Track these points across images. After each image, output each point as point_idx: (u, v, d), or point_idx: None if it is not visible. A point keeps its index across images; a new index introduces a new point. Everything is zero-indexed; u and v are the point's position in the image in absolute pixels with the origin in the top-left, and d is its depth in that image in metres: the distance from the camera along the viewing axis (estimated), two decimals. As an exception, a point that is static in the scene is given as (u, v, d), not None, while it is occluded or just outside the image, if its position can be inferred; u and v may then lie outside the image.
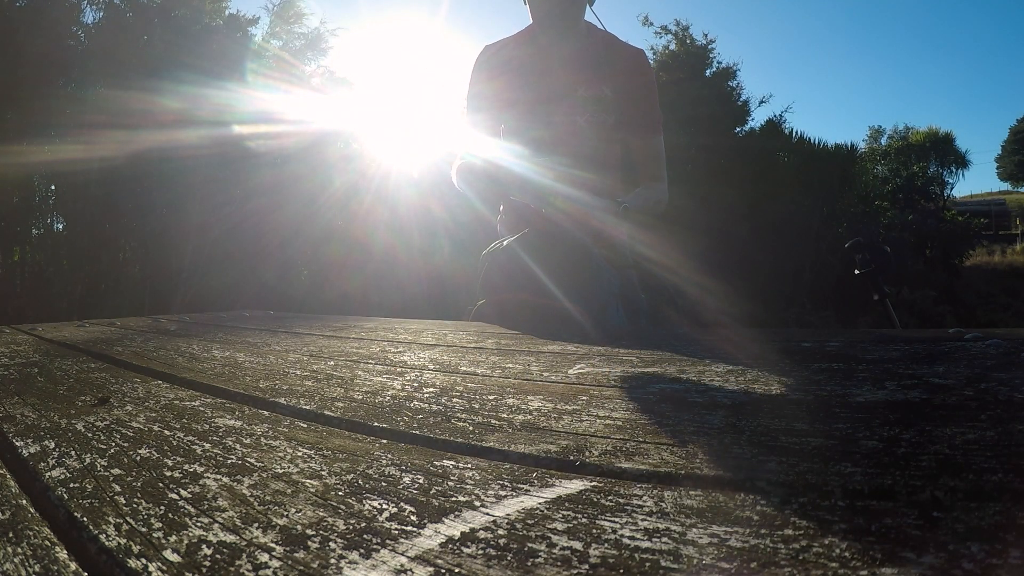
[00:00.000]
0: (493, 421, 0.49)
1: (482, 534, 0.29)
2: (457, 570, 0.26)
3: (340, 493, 0.35)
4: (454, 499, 0.34)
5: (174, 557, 0.28)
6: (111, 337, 1.28)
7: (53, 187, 5.49)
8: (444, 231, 6.08)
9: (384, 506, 0.33)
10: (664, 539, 0.27)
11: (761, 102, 10.71)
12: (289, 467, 0.41)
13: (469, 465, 0.39)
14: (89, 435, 0.50)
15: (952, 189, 20.23)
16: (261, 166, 5.69)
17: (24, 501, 0.37)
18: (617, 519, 0.30)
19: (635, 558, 0.26)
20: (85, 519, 0.33)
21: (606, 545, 0.27)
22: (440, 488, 0.35)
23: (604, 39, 1.45)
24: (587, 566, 0.25)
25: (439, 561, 0.27)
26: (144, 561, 0.28)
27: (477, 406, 0.55)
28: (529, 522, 0.30)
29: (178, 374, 0.79)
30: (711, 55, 9.75)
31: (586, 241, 1.29)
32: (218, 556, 0.28)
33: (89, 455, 0.45)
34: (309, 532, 0.30)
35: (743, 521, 0.28)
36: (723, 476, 0.34)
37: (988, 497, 0.28)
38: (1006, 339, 0.70)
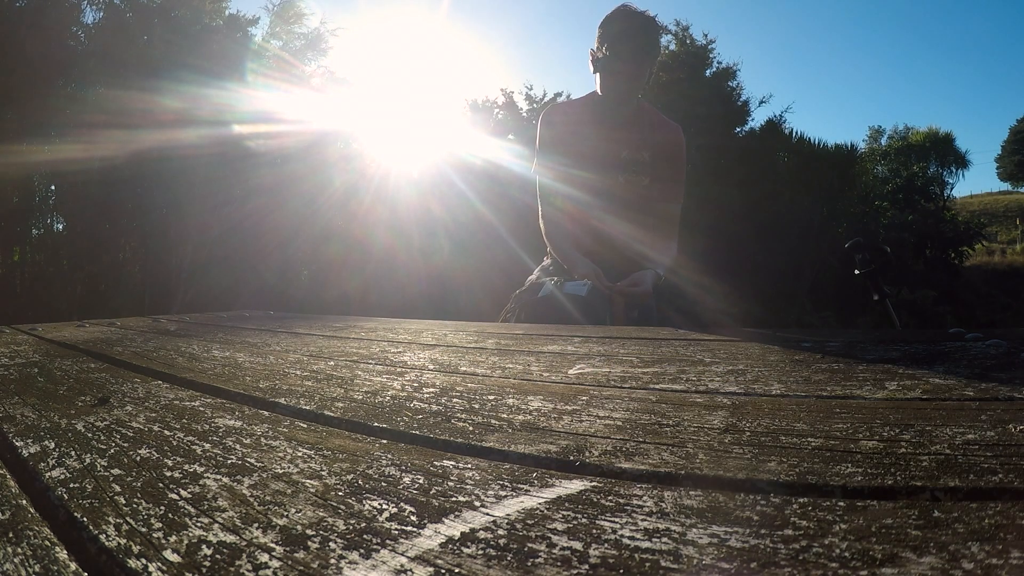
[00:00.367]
0: (493, 421, 0.49)
1: (482, 534, 0.29)
2: (457, 570, 0.26)
3: (340, 493, 0.35)
4: (454, 499, 0.34)
5: (174, 557, 0.28)
6: (111, 337, 1.28)
7: (53, 187, 5.49)
8: (444, 231, 6.09)
9: (384, 506, 0.33)
10: (664, 539, 0.27)
11: (761, 102, 10.69)
12: (289, 467, 0.41)
13: (469, 465, 0.39)
14: (89, 435, 0.50)
15: (952, 189, 20.24)
16: (261, 166, 5.69)
17: (24, 501, 0.37)
18: (617, 519, 0.29)
19: (635, 558, 0.26)
20: (85, 519, 0.33)
21: (606, 545, 0.27)
22: (440, 488, 0.35)
23: (651, 113, 1.72)
24: (587, 566, 0.25)
25: (439, 561, 0.27)
26: (144, 561, 0.28)
27: (477, 406, 0.55)
28: (529, 522, 0.30)
29: (178, 374, 0.79)
30: (711, 55, 9.74)
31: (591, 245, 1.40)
32: (218, 556, 0.28)
33: (89, 455, 0.45)
34: (309, 532, 0.30)
35: (743, 521, 0.28)
36: (723, 476, 0.34)
37: (988, 497, 0.28)
38: (1006, 339, 0.70)
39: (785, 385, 0.56)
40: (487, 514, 0.31)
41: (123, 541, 0.30)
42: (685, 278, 1.66)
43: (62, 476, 0.40)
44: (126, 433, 0.51)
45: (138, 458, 0.44)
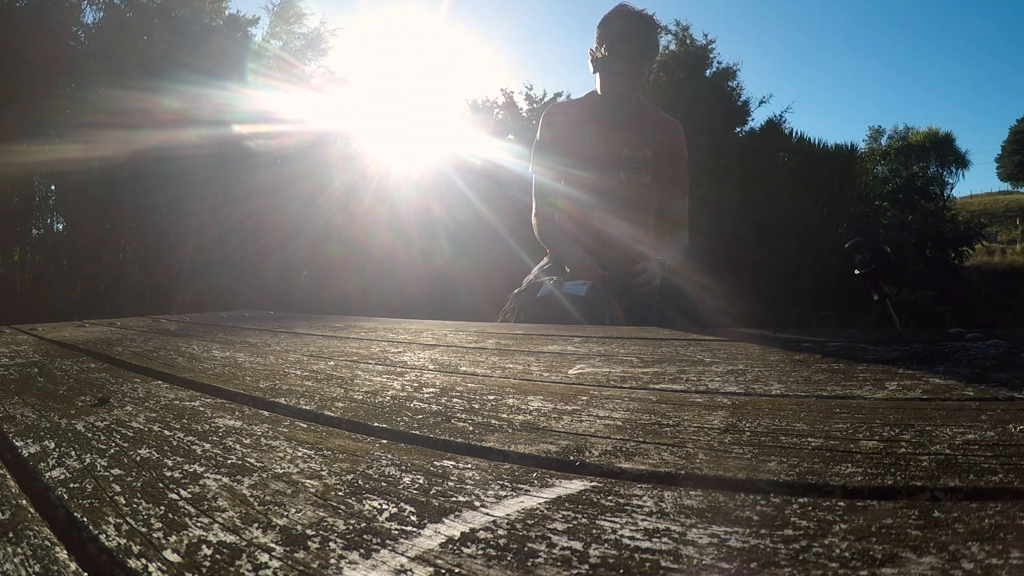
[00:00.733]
0: (493, 421, 0.49)
1: (482, 534, 0.29)
2: (457, 570, 0.26)
3: (340, 493, 0.35)
4: (454, 499, 0.34)
5: (174, 557, 0.28)
6: (111, 337, 1.28)
7: (53, 187, 5.49)
8: (444, 231, 6.09)
9: (384, 506, 0.33)
10: (664, 539, 0.27)
11: (761, 102, 10.70)
12: (289, 467, 0.41)
13: (469, 465, 0.39)
14: (89, 435, 0.50)
15: (952, 189, 20.24)
16: (261, 166, 5.69)
17: (24, 501, 0.37)
18: (617, 519, 0.29)
19: (635, 558, 0.26)
20: (85, 519, 0.33)
21: (606, 545, 0.27)
22: (440, 488, 0.35)
23: (650, 110, 1.73)
24: (587, 566, 0.25)
25: (439, 561, 0.27)
26: (144, 561, 0.28)
27: (477, 406, 0.55)
28: (529, 522, 0.30)
29: (178, 374, 0.79)
30: (711, 55, 9.74)
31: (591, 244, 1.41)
32: (218, 556, 0.28)
33: (89, 455, 0.45)
34: (309, 532, 0.30)
35: (743, 521, 0.28)
36: (723, 476, 0.34)
37: (988, 497, 0.28)
38: (1006, 339, 0.70)
39: (785, 385, 0.56)
40: (487, 514, 0.31)
41: (123, 541, 0.30)
42: (685, 278, 1.66)
43: (62, 476, 0.40)
44: (126, 433, 0.51)
45: (138, 458, 0.44)
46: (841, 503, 0.29)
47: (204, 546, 0.29)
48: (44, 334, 1.35)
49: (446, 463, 0.40)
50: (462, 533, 0.29)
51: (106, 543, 0.30)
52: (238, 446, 0.46)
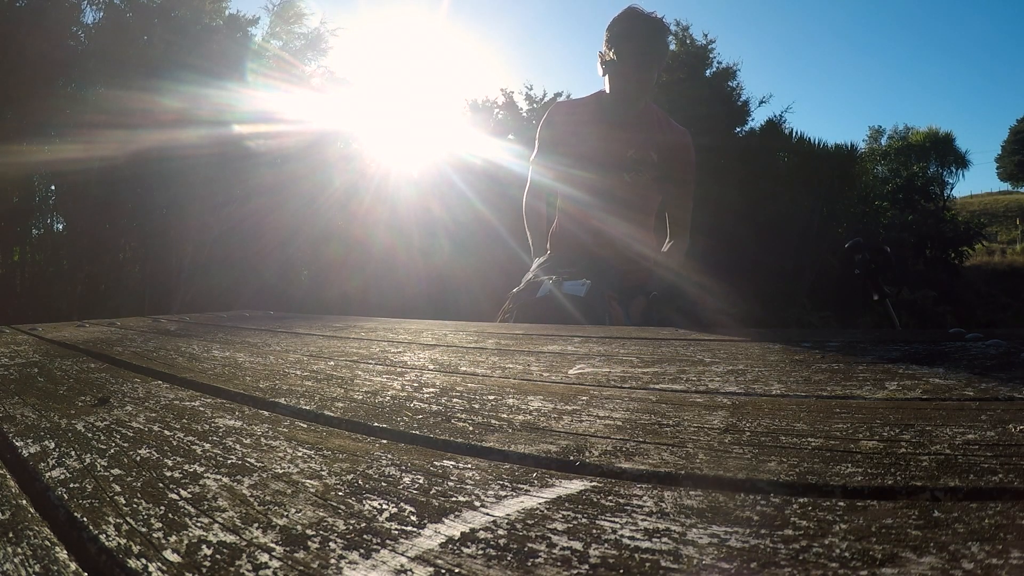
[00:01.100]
0: (493, 421, 0.49)
1: (482, 534, 0.29)
2: (457, 570, 0.26)
3: (340, 493, 0.35)
4: (454, 499, 0.34)
5: (174, 557, 0.28)
6: (111, 337, 1.28)
7: (53, 187, 5.49)
8: (444, 231, 6.09)
9: (384, 506, 0.33)
10: (664, 539, 0.27)
11: (761, 102, 10.70)
12: (289, 467, 0.41)
13: (469, 465, 0.39)
14: (89, 435, 0.50)
15: (952, 189, 20.24)
16: (261, 166, 5.69)
17: (24, 501, 0.37)
18: (617, 519, 0.29)
19: (635, 558, 0.26)
20: (85, 519, 0.33)
21: (606, 545, 0.27)
22: (440, 488, 0.35)
23: (658, 115, 1.74)
24: (587, 566, 0.25)
25: (439, 561, 0.27)
26: (144, 561, 0.28)
27: (477, 406, 0.55)
28: (529, 522, 0.30)
29: (178, 374, 0.79)
30: (711, 55, 9.73)
31: (591, 244, 1.42)
32: (218, 556, 0.28)
33: (89, 455, 0.45)
34: (309, 532, 0.30)
35: (743, 521, 0.28)
36: (723, 476, 0.34)
37: (988, 497, 0.28)
38: (1006, 339, 0.70)
39: (785, 385, 0.56)
40: (487, 514, 0.31)
41: (123, 541, 0.30)
42: (685, 278, 1.66)
43: (62, 476, 0.40)
44: (126, 433, 0.51)
45: (138, 458, 0.44)
46: (841, 503, 0.29)
47: (204, 546, 0.29)
48: (44, 334, 1.35)
49: (446, 463, 0.40)
50: (462, 533, 0.29)
51: (106, 543, 0.30)
52: (238, 446, 0.46)
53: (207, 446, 0.46)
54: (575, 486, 0.34)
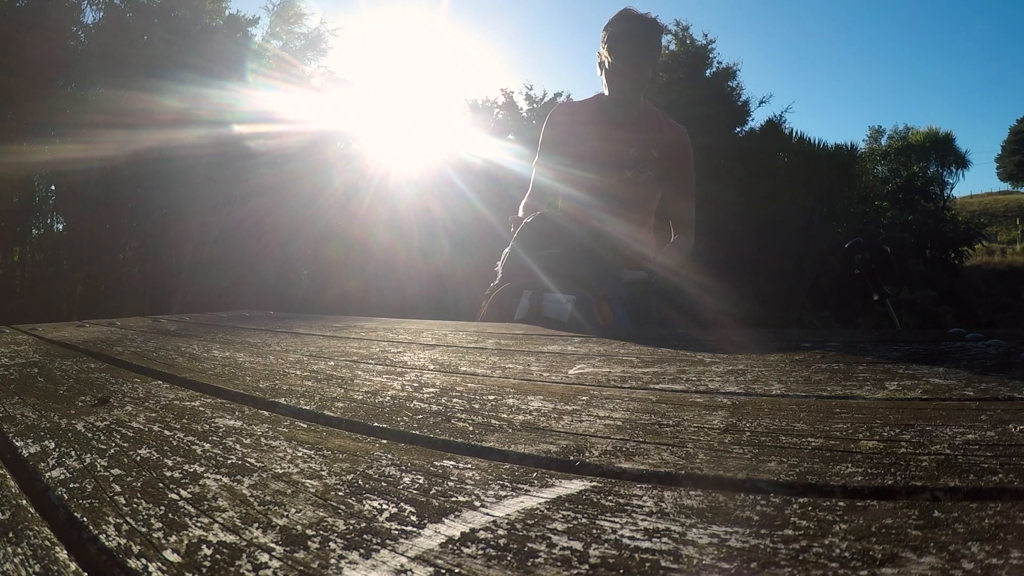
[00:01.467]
0: (493, 421, 0.49)
1: (482, 534, 0.29)
2: (457, 570, 0.26)
3: (340, 493, 0.35)
4: (454, 499, 0.34)
5: (174, 557, 0.28)
6: (111, 337, 1.28)
7: (53, 187, 5.49)
8: (444, 231, 6.09)
9: (384, 506, 0.33)
10: (664, 539, 0.27)
11: (761, 102, 10.70)
12: (289, 467, 0.41)
13: (469, 465, 0.39)
14: (89, 435, 0.50)
15: (952, 189, 20.24)
16: (261, 166, 5.69)
17: (24, 501, 0.37)
18: (617, 519, 0.29)
19: (635, 558, 0.26)
20: (85, 519, 0.33)
21: (606, 545, 0.27)
22: (440, 488, 0.35)
23: (657, 114, 1.77)
24: (587, 566, 0.25)
25: (439, 561, 0.27)
26: (144, 561, 0.28)
27: (477, 406, 0.55)
28: (529, 522, 0.30)
29: (178, 374, 0.79)
30: (711, 55, 9.74)
31: (599, 251, 1.42)
32: (218, 556, 0.28)
33: (89, 455, 0.45)
34: (309, 532, 0.30)
35: (743, 521, 0.28)
36: (723, 476, 0.34)
37: (988, 497, 0.28)
38: (1006, 339, 0.70)
39: (785, 385, 0.56)
40: (487, 514, 0.31)
41: (123, 541, 0.30)
42: (685, 278, 1.66)
43: (62, 476, 0.40)
44: (126, 433, 0.51)
45: (138, 458, 0.44)
46: (841, 503, 0.29)
47: (204, 546, 0.29)
48: (44, 334, 1.35)
49: (446, 463, 0.40)
50: (462, 533, 0.29)
51: (106, 543, 0.30)
52: (238, 446, 0.46)
53: (207, 446, 0.46)
54: (575, 486, 0.34)
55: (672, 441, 0.41)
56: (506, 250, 1.58)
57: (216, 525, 0.32)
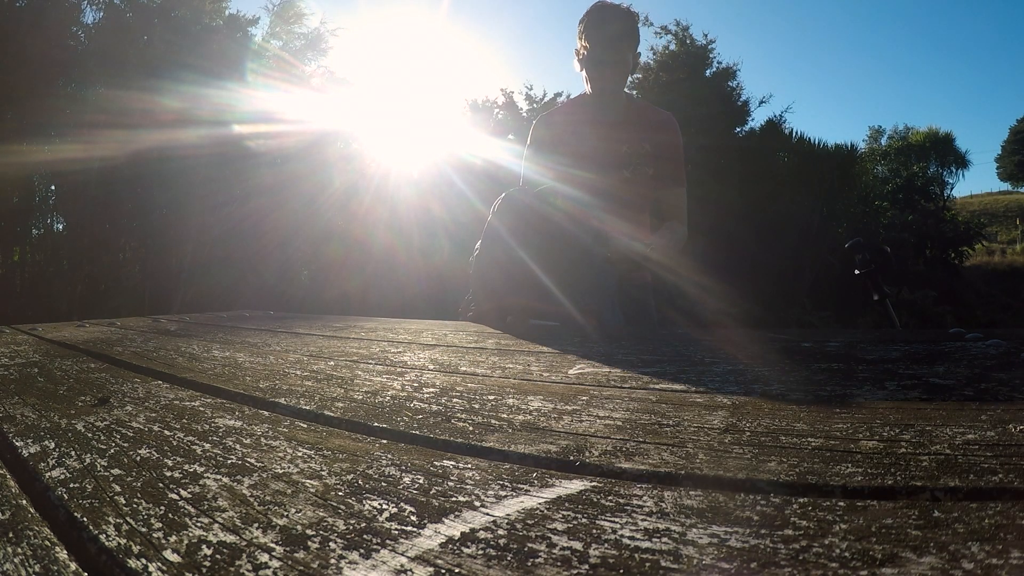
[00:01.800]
0: (493, 421, 0.49)
1: (482, 534, 0.29)
2: (457, 570, 0.26)
3: (340, 493, 0.35)
4: (454, 499, 0.34)
5: (174, 557, 0.28)
6: (111, 337, 1.28)
7: (53, 187, 5.49)
8: (444, 231, 6.08)
9: (384, 506, 0.33)
10: (664, 539, 0.27)
11: (761, 102, 10.70)
12: (289, 467, 0.41)
13: (469, 465, 0.39)
14: (89, 435, 0.50)
15: (952, 189, 20.24)
16: (261, 166, 5.69)
17: (24, 501, 0.37)
18: (617, 519, 0.29)
19: (635, 558, 0.26)
20: (85, 519, 0.33)
21: (606, 545, 0.27)
22: (440, 488, 0.35)
23: (640, 105, 1.76)
24: (587, 566, 0.25)
25: (439, 561, 0.26)
26: (144, 561, 0.28)
27: (477, 406, 0.55)
28: (529, 522, 0.30)
29: (178, 374, 0.79)
30: (711, 55, 9.73)
31: (585, 240, 1.37)
32: (218, 556, 0.28)
33: (89, 455, 0.45)
34: (309, 532, 0.30)
35: (743, 521, 0.28)
36: (723, 476, 0.34)
37: (988, 497, 0.28)
38: (1006, 339, 0.70)
39: (785, 385, 0.56)
40: (487, 514, 0.31)
41: (123, 541, 0.30)
42: (685, 278, 1.66)
43: (62, 476, 0.40)
44: (126, 433, 0.51)
45: (138, 458, 0.44)
46: (841, 503, 0.29)
47: (204, 546, 0.29)
48: (44, 334, 1.35)
49: (446, 463, 0.40)
50: (462, 533, 0.29)
51: (106, 543, 0.30)
52: (238, 446, 0.46)
53: (207, 446, 0.46)
54: (575, 486, 0.34)
55: (672, 441, 0.41)
56: (477, 246, 1.54)
57: (216, 525, 0.32)
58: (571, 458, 0.39)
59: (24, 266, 5.34)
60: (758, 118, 19.54)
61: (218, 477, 0.39)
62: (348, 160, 6.52)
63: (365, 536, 0.29)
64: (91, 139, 4.70)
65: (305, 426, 0.51)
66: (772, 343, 0.83)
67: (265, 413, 0.57)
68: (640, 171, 1.67)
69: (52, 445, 0.48)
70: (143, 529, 0.31)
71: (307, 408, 0.57)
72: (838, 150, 9.57)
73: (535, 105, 8.93)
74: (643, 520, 0.29)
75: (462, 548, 0.28)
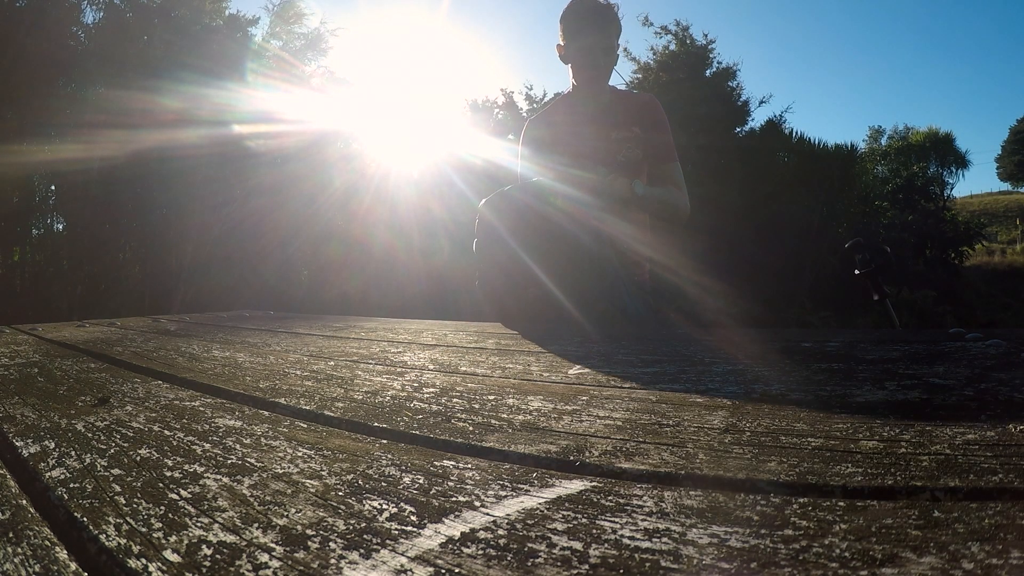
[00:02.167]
0: (493, 421, 0.49)
1: (482, 534, 0.29)
2: (457, 570, 0.26)
3: (340, 493, 0.35)
4: (454, 499, 0.34)
5: (174, 557, 0.28)
6: (111, 337, 1.28)
7: (53, 187, 5.48)
8: (444, 231, 6.08)
9: (384, 506, 0.33)
10: (664, 539, 0.27)
11: (761, 102, 10.71)
12: (289, 467, 0.41)
13: (469, 465, 0.39)
14: (89, 435, 0.50)
15: (952, 189, 20.23)
16: (261, 166, 5.69)
17: (24, 501, 0.37)
18: (617, 519, 0.29)
19: (635, 558, 0.26)
20: (85, 519, 0.33)
21: (606, 545, 0.27)
22: (440, 488, 0.35)
23: (622, 92, 1.80)
24: (587, 566, 0.25)
25: (439, 561, 0.26)
26: (144, 561, 0.28)
27: (477, 406, 0.55)
28: (529, 522, 0.30)
29: (178, 374, 0.79)
30: (711, 55, 9.73)
31: (584, 238, 1.39)
32: (218, 556, 0.28)
33: (89, 455, 0.45)
34: (309, 532, 0.30)
35: (743, 521, 0.28)
36: (723, 476, 0.34)
37: (988, 497, 0.28)
38: (1006, 339, 0.70)
39: (785, 385, 0.56)
40: (487, 514, 0.31)
41: (123, 541, 0.30)
42: (685, 278, 1.66)
43: (62, 476, 0.40)
44: (126, 433, 0.51)
45: (138, 458, 0.44)
46: (841, 503, 0.29)
47: (204, 546, 0.29)
48: (44, 334, 1.35)
49: (446, 463, 0.40)
50: (462, 533, 0.29)
51: (106, 543, 0.30)
52: (238, 446, 0.46)
53: (207, 446, 0.46)
54: (575, 486, 0.34)
55: (672, 441, 0.41)
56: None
57: (216, 525, 0.32)
58: (571, 458, 0.39)
59: (24, 266, 5.34)
60: (758, 118, 19.58)
61: (218, 477, 0.39)
62: (348, 160, 6.52)
63: (365, 536, 0.29)
64: (91, 139, 4.70)
65: (305, 426, 0.51)
66: (772, 343, 0.83)
67: (265, 413, 0.57)
68: (632, 154, 1.70)
69: (52, 445, 0.48)
70: (143, 529, 0.31)
71: (307, 408, 0.57)
72: (838, 150, 9.56)
73: (535, 105, 8.93)
74: (643, 520, 0.29)
75: (462, 548, 0.28)
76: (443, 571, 0.26)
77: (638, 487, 0.34)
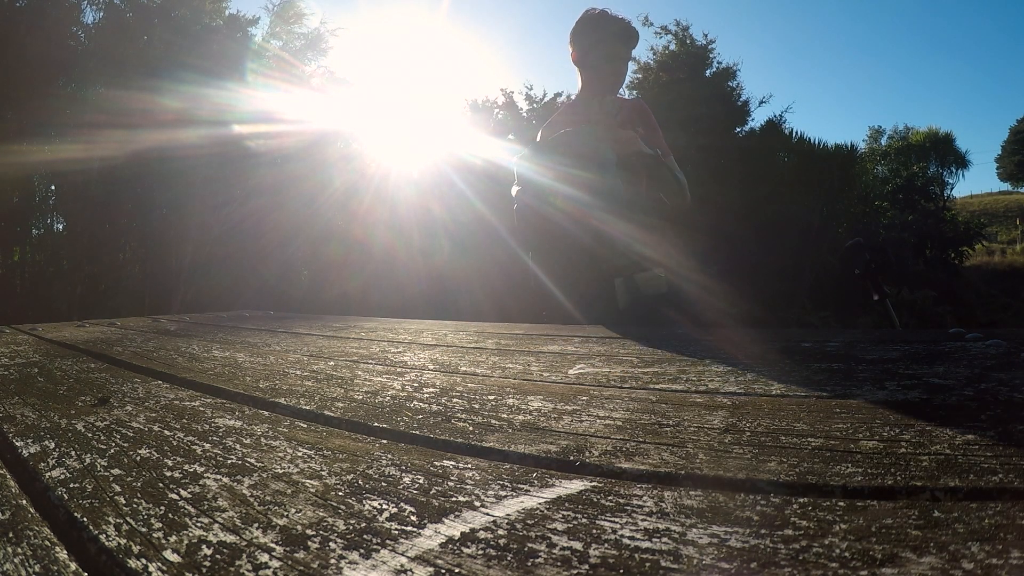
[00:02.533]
0: (493, 421, 0.49)
1: (482, 534, 0.29)
2: (457, 570, 0.26)
3: (340, 493, 0.35)
4: (454, 499, 0.34)
5: (174, 557, 0.28)
6: (111, 337, 1.28)
7: (53, 187, 5.49)
8: (444, 231, 6.08)
9: (384, 506, 0.33)
10: (664, 539, 0.27)
11: (761, 102, 10.72)
12: (289, 467, 0.41)
13: (469, 465, 0.39)
14: (89, 435, 0.50)
15: (952, 189, 20.23)
16: (261, 166, 5.69)
17: (24, 501, 0.37)
18: (617, 519, 0.29)
19: (635, 558, 0.26)
20: (85, 519, 0.33)
21: (606, 545, 0.27)
22: (440, 488, 0.35)
23: (618, 100, 1.86)
24: (587, 566, 0.25)
25: (439, 561, 0.26)
26: (144, 561, 0.28)
27: (477, 406, 0.55)
28: (529, 522, 0.30)
29: (178, 374, 0.79)
30: (711, 55, 9.73)
31: (584, 238, 1.45)
32: (218, 556, 0.28)
33: (89, 455, 0.45)
34: (309, 532, 0.30)
35: (743, 521, 0.28)
36: (723, 476, 0.34)
37: (988, 497, 0.28)
38: (1006, 339, 0.70)
39: (785, 385, 0.56)
40: (487, 514, 0.31)
41: (123, 541, 0.30)
42: (685, 278, 1.66)
43: (62, 476, 0.40)
44: (126, 433, 0.51)
45: (138, 458, 0.44)
46: (841, 503, 0.29)
47: (204, 546, 0.29)
48: (44, 334, 1.35)
49: (446, 463, 0.40)
50: (462, 533, 0.29)
51: (106, 543, 0.30)
52: (238, 446, 0.46)
53: (207, 446, 0.46)
54: (575, 486, 0.34)
55: (672, 441, 0.41)
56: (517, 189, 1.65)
57: (216, 525, 0.32)
58: (571, 458, 0.39)
59: (24, 266, 5.34)
60: (758, 118, 19.59)
61: (218, 477, 0.39)
62: (348, 160, 6.52)
63: (365, 536, 0.29)
64: (91, 139, 4.70)
65: (305, 426, 0.51)
66: (772, 343, 0.83)
67: (265, 413, 0.57)
68: (646, 148, 1.75)
69: (52, 445, 0.48)
70: (143, 529, 0.31)
71: (307, 408, 0.57)
72: (838, 150, 9.56)
73: (535, 105, 8.93)
74: (643, 520, 0.29)
75: (462, 548, 0.28)
76: (443, 571, 0.26)
77: (638, 487, 0.34)
